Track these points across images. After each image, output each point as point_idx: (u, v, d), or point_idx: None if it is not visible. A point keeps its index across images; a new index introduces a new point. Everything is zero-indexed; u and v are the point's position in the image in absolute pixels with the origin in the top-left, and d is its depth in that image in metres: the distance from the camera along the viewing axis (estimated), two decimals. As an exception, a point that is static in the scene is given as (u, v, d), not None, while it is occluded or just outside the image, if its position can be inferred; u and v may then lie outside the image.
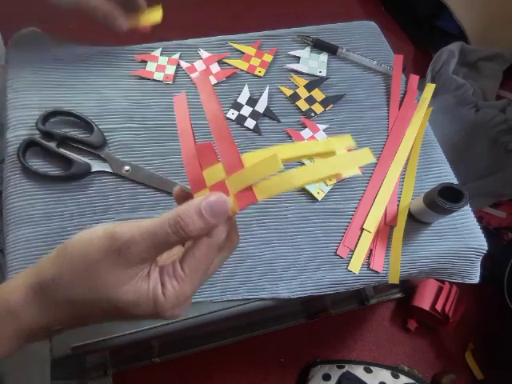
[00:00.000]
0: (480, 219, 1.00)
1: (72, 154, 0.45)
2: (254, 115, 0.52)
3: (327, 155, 0.28)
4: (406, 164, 0.52)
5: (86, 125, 0.47)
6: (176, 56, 0.54)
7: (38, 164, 0.45)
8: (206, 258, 0.26)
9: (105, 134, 0.47)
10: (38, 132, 0.45)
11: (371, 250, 0.47)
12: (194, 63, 0.54)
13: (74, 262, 0.24)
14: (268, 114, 0.52)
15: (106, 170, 0.46)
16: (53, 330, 0.26)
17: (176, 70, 0.53)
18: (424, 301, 0.82)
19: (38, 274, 0.25)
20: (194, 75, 0.32)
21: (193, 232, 0.24)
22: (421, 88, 0.57)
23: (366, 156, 0.26)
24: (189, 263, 0.25)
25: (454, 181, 0.52)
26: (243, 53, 0.56)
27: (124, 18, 0.48)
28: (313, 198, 0.48)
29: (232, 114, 0.52)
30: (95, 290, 0.24)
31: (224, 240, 0.26)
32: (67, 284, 0.24)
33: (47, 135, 0.45)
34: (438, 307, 0.80)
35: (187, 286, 0.26)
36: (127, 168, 0.46)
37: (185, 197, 0.28)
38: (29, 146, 0.45)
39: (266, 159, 0.25)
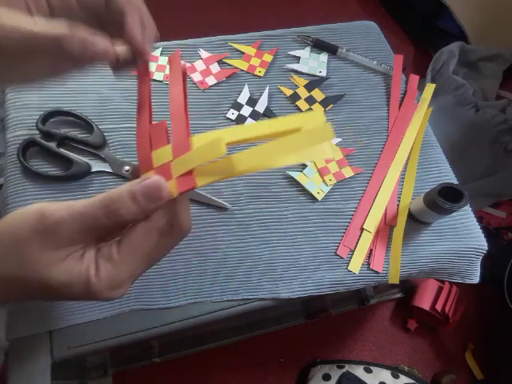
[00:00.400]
0: (480, 219, 1.00)
1: (72, 154, 0.45)
2: (254, 115, 0.52)
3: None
4: (406, 164, 0.52)
5: (86, 125, 0.47)
6: (176, 56, 0.54)
7: (38, 164, 0.45)
8: (143, 242, 0.25)
9: (105, 133, 0.47)
10: (38, 132, 0.45)
11: (371, 250, 0.47)
12: (194, 63, 0.54)
13: (3, 238, 0.24)
14: (268, 114, 0.52)
15: (106, 170, 0.46)
16: None
17: (176, 70, 0.53)
18: (424, 301, 0.82)
19: None
20: (171, 56, 0.31)
21: (125, 216, 0.24)
22: (421, 88, 0.57)
23: (325, 132, 0.23)
24: (125, 247, 0.25)
25: (454, 181, 0.52)
26: (243, 53, 0.56)
27: (107, 41, 0.29)
28: (313, 198, 0.48)
29: (232, 114, 0.52)
30: (26, 267, 0.23)
31: (165, 224, 0.25)
32: None
33: (47, 135, 0.45)
34: (438, 307, 0.80)
35: (122, 269, 0.25)
36: (127, 168, 0.46)
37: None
38: (29, 146, 0.45)
39: (210, 143, 0.24)
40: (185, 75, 0.29)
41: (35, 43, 0.26)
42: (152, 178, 0.24)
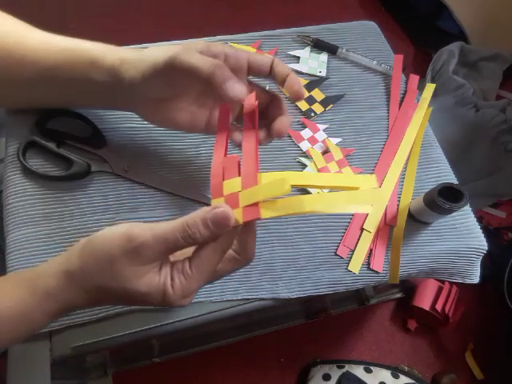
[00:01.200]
0: (480, 219, 1.00)
1: (72, 154, 0.45)
2: (254, 115, 0.52)
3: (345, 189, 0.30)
4: (406, 164, 0.52)
5: (85, 125, 0.47)
6: (176, 56, 0.54)
7: (38, 164, 0.45)
8: (210, 259, 0.29)
9: (105, 134, 0.47)
10: (37, 132, 0.45)
11: (371, 250, 0.47)
12: (194, 63, 0.54)
13: (98, 254, 0.29)
14: (268, 113, 0.52)
15: (106, 170, 0.46)
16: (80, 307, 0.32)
17: (176, 70, 0.53)
18: (424, 301, 0.82)
19: (68, 263, 0.30)
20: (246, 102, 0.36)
21: (199, 239, 0.28)
22: (421, 88, 0.57)
23: (376, 195, 0.28)
24: (195, 263, 0.29)
25: (454, 181, 0.52)
26: (243, 53, 0.56)
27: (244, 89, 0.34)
28: (313, 198, 0.48)
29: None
30: (116, 279, 0.29)
31: (234, 251, 0.31)
32: (93, 273, 0.29)
33: (47, 135, 0.45)
34: (438, 307, 0.80)
35: (193, 281, 0.30)
36: (127, 168, 0.46)
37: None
38: (29, 146, 0.45)
39: (276, 181, 0.27)
40: (256, 115, 0.34)
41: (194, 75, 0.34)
42: (221, 208, 0.28)
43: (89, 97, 0.42)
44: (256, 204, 0.28)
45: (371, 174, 0.30)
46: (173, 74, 0.35)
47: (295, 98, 0.38)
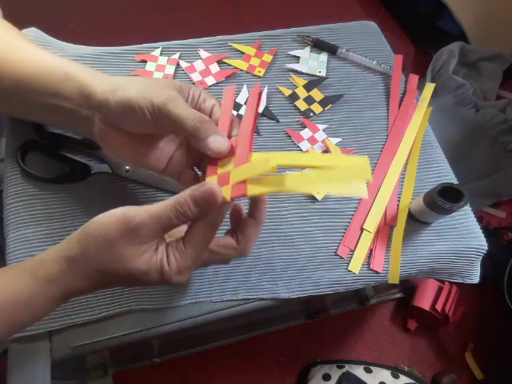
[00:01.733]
0: (480, 219, 1.00)
1: (72, 155, 0.45)
2: (254, 115, 0.52)
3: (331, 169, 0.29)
4: (406, 164, 0.52)
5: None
6: (176, 56, 0.54)
7: (38, 166, 0.45)
8: (201, 234, 0.31)
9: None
10: (37, 133, 0.45)
11: (371, 250, 0.47)
12: (194, 63, 0.54)
13: (97, 239, 0.30)
14: (267, 113, 0.53)
15: (106, 171, 0.46)
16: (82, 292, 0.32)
17: (175, 70, 0.53)
18: (424, 301, 0.82)
19: (68, 248, 0.31)
20: (252, 89, 0.35)
21: (190, 216, 0.30)
22: (420, 88, 0.57)
23: (363, 171, 0.27)
24: (187, 239, 0.31)
25: (454, 181, 0.52)
26: (243, 53, 0.56)
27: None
28: (312, 198, 0.48)
29: (232, 114, 0.52)
30: (116, 261, 0.30)
31: (218, 221, 0.32)
32: (94, 256, 0.30)
33: (47, 136, 0.45)
34: (438, 307, 0.80)
35: (187, 257, 0.31)
36: (127, 168, 0.46)
37: (194, 177, 0.37)
38: (28, 147, 0.45)
39: (261, 160, 0.29)
40: (259, 101, 0.34)
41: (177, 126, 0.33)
42: (207, 185, 0.30)
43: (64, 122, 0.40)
44: (244, 182, 0.30)
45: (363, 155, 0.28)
46: (156, 118, 0.33)
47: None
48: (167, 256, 0.31)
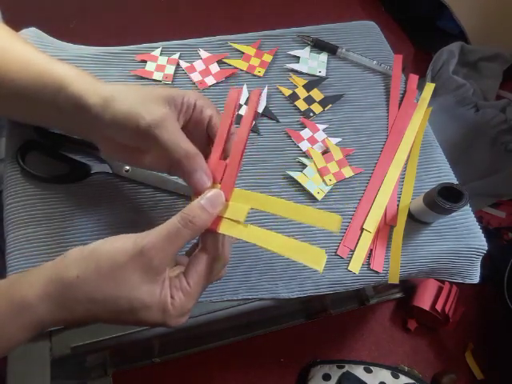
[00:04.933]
0: (480, 219, 1.00)
1: (72, 155, 0.45)
2: (254, 115, 0.52)
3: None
4: (406, 164, 0.52)
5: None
6: (176, 56, 0.54)
7: (38, 166, 0.45)
8: (206, 272, 0.30)
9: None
10: (37, 133, 0.45)
11: (371, 250, 0.47)
12: (194, 63, 0.54)
13: (100, 262, 0.27)
14: (267, 113, 0.52)
15: (106, 171, 0.46)
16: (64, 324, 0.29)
17: (175, 70, 0.53)
18: (424, 301, 0.82)
19: (61, 270, 0.28)
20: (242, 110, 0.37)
21: (199, 222, 0.29)
22: (420, 88, 0.57)
23: (318, 260, 0.29)
24: (193, 278, 0.30)
25: (454, 181, 0.52)
26: (243, 53, 0.56)
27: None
28: (313, 198, 0.48)
29: (232, 113, 0.52)
30: (118, 287, 0.27)
31: (218, 257, 0.31)
32: (91, 281, 0.27)
33: (47, 136, 0.45)
34: (438, 307, 0.80)
35: (191, 298, 0.30)
36: (127, 168, 0.46)
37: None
38: (28, 147, 0.45)
39: (237, 206, 0.31)
40: (255, 114, 0.35)
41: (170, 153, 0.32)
42: (212, 191, 0.31)
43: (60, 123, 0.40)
44: (219, 217, 0.31)
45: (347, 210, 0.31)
46: (143, 139, 0.33)
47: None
48: (171, 296, 0.29)
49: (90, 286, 0.27)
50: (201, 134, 0.36)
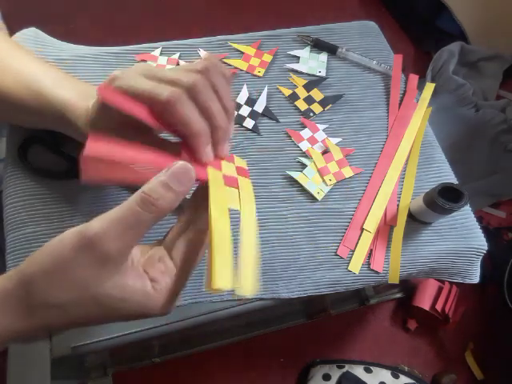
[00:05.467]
0: (480, 219, 1.00)
1: (72, 153, 0.45)
2: (253, 115, 0.52)
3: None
4: (406, 164, 0.52)
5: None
6: (175, 56, 0.54)
7: (38, 161, 0.45)
8: (196, 249, 0.26)
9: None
10: (37, 131, 0.45)
11: (371, 250, 0.47)
12: (194, 63, 0.54)
13: (45, 266, 0.23)
14: (267, 113, 0.52)
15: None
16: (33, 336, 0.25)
17: (176, 70, 0.53)
18: (424, 301, 0.82)
19: (19, 274, 0.24)
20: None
21: (163, 204, 0.24)
22: (420, 88, 0.57)
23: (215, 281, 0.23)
24: (180, 256, 0.26)
25: (454, 181, 0.52)
26: (243, 53, 0.56)
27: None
28: (312, 198, 0.48)
29: (232, 113, 0.52)
30: (75, 289, 0.23)
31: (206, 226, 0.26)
32: (43, 287, 0.23)
33: (47, 134, 0.45)
34: (438, 307, 0.80)
35: (178, 280, 0.26)
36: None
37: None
38: (30, 141, 0.45)
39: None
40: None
41: None
42: (178, 164, 0.24)
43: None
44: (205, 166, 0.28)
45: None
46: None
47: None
48: (152, 280, 0.25)
49: (42, 292, 0.23)
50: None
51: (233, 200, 0.28)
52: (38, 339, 0.30)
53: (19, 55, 0.39)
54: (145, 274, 0.25)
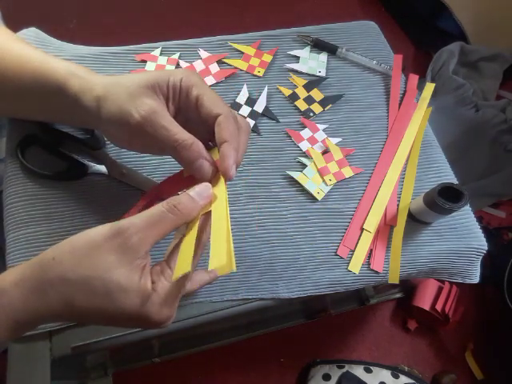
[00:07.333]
0: (480, 219, 1.00)
1: (71, 154, 0.45)
2: (253, 115, 0.52)
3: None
4: (406, 164, 0.52)
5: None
6: (175, 56, 0.54)
7: (37, 161, 0.45)
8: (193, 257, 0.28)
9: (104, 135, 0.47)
10: (39, 128, 0.45)
11: (371, 250, 0.47)
12: (194, 63, 0.54)
13: (76, 244, 0.27)
14: (267, 113, 0.53)
15: (103, 172, 0.45)
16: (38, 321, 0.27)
17: (176, 70, 0.53)
18: (424, 301, 0.82)
19: (40, 256, 0.28)
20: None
21: (185, 209, 0.29)
22: (420, 88, 0.57)
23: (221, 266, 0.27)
24: (175, 263, 0.29)
25: (454, 181, 0.52)
26: (243, 53, 0.56)
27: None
28: (312, 198, 0.48)
29: (232, 113, 0.52)
30: (93, 267, 0.26)
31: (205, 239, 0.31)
32: (65, 262, 0.27)
33: (48, 132, 0.45)
34: (438, 307, 0.80)
35: (175, 286, 0.28)
36: (124, 171, 0.46)
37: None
38: (28, 141, 0.45)
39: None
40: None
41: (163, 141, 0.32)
42: (201, 185, 0.31)
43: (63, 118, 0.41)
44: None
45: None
46: (138, 132, 0.33)
47: (223, 173, 0.33)
48: (153, 281, 0.28)
49: (63, 266, 0.26)
50: (196, 116, 0.34)
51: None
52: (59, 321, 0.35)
53: (20, 43, 0.39)
54: (149, 275, 0.28)
